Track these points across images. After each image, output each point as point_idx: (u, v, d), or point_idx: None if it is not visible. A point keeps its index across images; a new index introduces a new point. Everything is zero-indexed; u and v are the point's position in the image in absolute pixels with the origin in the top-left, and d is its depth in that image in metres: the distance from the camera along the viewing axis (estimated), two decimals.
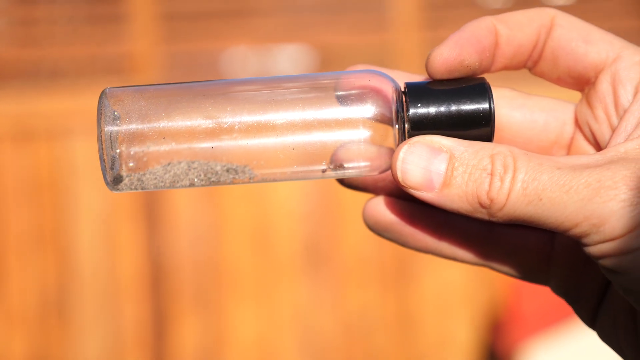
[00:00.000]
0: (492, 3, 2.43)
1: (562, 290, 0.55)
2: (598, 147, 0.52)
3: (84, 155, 2.35)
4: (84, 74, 2.50)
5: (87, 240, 2.37)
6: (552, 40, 0.51)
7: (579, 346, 1.95)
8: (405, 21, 2.47)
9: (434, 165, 0.47)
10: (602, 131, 0.51)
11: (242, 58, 2.51)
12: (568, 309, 1.87)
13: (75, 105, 2.36)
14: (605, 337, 0.53)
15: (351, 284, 2.37)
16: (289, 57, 2.53)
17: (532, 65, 0.52)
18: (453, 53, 0.49)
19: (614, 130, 0.50)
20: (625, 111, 0.49)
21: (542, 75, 0.53)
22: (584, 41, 0.50)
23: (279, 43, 2.53)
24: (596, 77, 0.50)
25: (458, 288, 2.37)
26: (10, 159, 2.36)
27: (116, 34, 2.50)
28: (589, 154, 0.47)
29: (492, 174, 0.46)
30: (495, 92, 0.54)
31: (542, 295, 2.10)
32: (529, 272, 0.55)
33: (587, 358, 1.92)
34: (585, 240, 0.45)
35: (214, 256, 2.38)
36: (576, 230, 0.45)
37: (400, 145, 0.48)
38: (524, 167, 0.45)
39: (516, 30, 0.50)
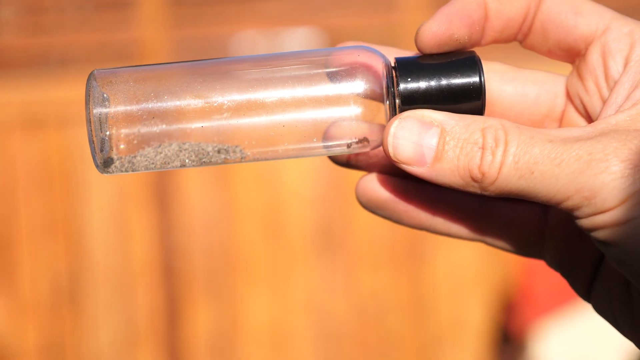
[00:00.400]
0: None
1: (557, 264, 0.56)
2: (589, 119, 0.52)
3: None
4: (94, 61, 2.50)
5: (99, 228, 2.37)
6: (542, 13, 0.50)
7: (591, 325, 1.94)
8: (413, 2, 2.45)
9: (425, 140, 0.47)
10: (593, 103, 0.51)
11: (251, 42, 2.51)
12: None
13: (84, 92, 2.36)
14: (600, 310, 0.54)
15: (364, 267, 2.37)
16: (297, 40, 2.52)
17: (522, 38, 0.52)
18: (442, 27, 0.49)
19: (604, 101, 0.49)
20: (615, 82, 0.48)
21: (532, 48, 0.52)
22: (573, 13, 0.50)
23: (287, 26, 2.52)
24: (586, 49, 0.50)
25: (470, 269, 2.37)
26: (21, 147, 2.37)
27: (125, 20, 2.50)
28: (580, 127, 0.46)
29: (483, 148, 0.46)
30: (486, 65, 0.53)
31: (554, 275, 2.09)
32: (524, 246, 0.56)
33: (599, 336, 1.91)
34: (578, 213, 0.45)
35: (226, 241, 2.38)
36: (568, 203, 0.45)
37: (391, 120, 0.48)
38: (515, 141, 0.45)
39: (505, 3, 0.50)
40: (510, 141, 0.45)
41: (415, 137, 0.47)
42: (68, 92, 2.38)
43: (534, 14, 0.50)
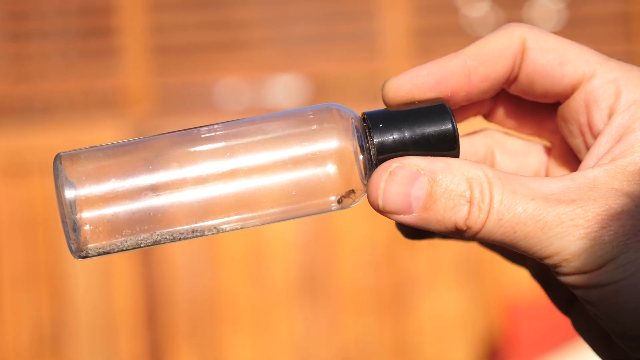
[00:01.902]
0: (480, 31, 2.44)
1: (538, 276, 0.57)
2: (573, 156, 0.53)
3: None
4: (78, 108, 2.50)
5: (82, 275, 2.36)
6: (527, 65, 0.50)
7: None
8: (395, 49, 2.48)
9: (414, 191, 0.47)
10: (577, 144, 0.51)
11: (235, 89, 2.52)
12: (564, 334, 1.86)
13: (68, 140, 2.36)
14: (578, 326, 0.54)
15: (347, 313, 2.37)
16: (282, 87, 2.54)
17: (507, 87, 0.52)
18: (409, 92, 0.49)
19: (587, 147, 0.50)
20: (599, 133, 0.49)
21: (517, 94, 0.53)
22: (559, 63, 0.50)
23: (272, 73, 2.54)
24: (572, 93, 0.50)
25: (454, 314, 2.37)
26: (4, 194, 2.36)
27: (109, 68, 2.51)
28: (560, 178, 0.47)
29: (470, 202, 0.46)
30: (487, 134, 0.55)
31: (538, 321, 2.10)
32: (509, 253, 0.57)
33: None
34: (557, 270, 0.46)
35: (209, 287, 2.37)
36: (548, 261, 0.46)
37: (377, 171, 0.48)
38: (499, 196, 0.46)
39: (491, 65, 0.50)
40: (495, 196, 0.46)
41: (403, 189, 0.47)
42: (51, 139, 2.39)
43: (519, 66, 0.51)
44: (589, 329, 0.53)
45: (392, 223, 0.53)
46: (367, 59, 2.50)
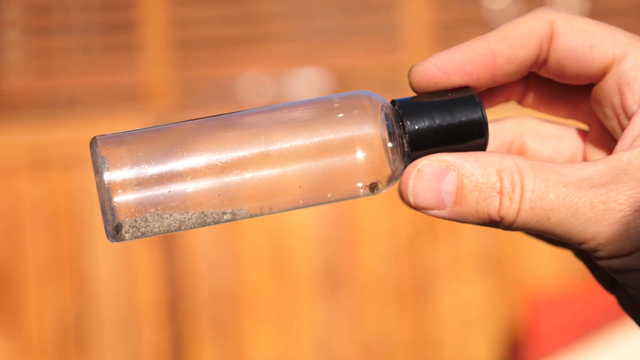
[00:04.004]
0: (502, 23, 2.43)
1: (581, 256, 0.56)
2: (611, 137, 0.53)
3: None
4: (100, 102, 2.52)
5: (105, 268, 2.37)
6: (556, 51, 0.50)
7: None
8: (417, 41, 2.48)
9: (444, 186, 0.47)
10: (613, 126, 0.51)
11: (257, 83, 2.53)
12: (586, 327, 1.85)
13: (91, 134, 2.37)
14: (622, 304, 0.54)
15: (369, 306, 2.37)
16: (304, 81, 2.54)
17: (537, 71, 0.52)
18: (435, 76, 0.50)
19: (622, 128, 0.50)
20: (633, 114, 0.48)
21: (548, 77, 0.52)
22: (588, 47, 0.49)
23: (294, 67, 2.54)
24: (604, 76, 0.50)
25: (476, 307, 2.36)
26: (27, 188, 2.38)
27: (131, 62, 2.52)
28: (594, 162, 0.47)
29: (501, 193, 0.46)
30: (518, 121, 0.55)
31: (560, 314, 2.09)
32: (550, 238, 0.56)
33: None
34: (594, 255, 0.46)
35: (232, 280, 2.38)
36: (584, 246, 0.46)
37: (407, 170, 0.49)
38: (530, 184, 0.46)
39: (517, 48, 0.50)
40: (526, 185, 0.46)
41: (434, 185, 0.48)
42: (74, 133, 2.40)
43: (547, 50, 0.50)
44: (634, 308, 0.53)
45: (414, 215, 0.53)
46: (389, 51, 2.50)
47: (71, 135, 2.40)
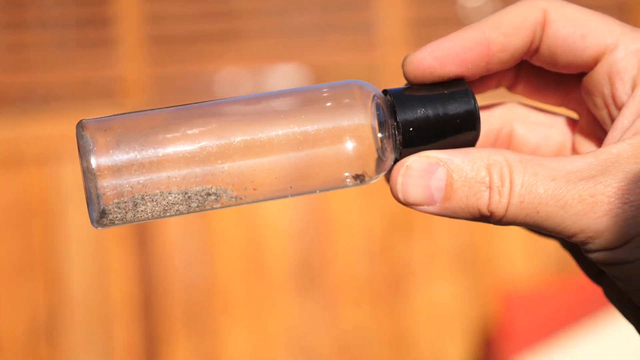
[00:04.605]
0: (477, 19, 2.44)
1: (568, 247, 0.56)
2: (599, 125, 0.52)
3: (74, 180, 2.35)
4: (75, 98, 2.50)
5: (77, 265, 2.36)
6: (548, 38, 0.50)
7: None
8: (393, 39, 2.48)
9: (434, 182, 0.47)
10: (603, 116, 0.51)
11: (234, 79, 2.52)
12: (559, 323, 1.86)
13: (66, 130, 2.36)
14: (609, 296, 0.54)
15: (344, 303, 2.37)
16: (281, 77, 2.54)
17: (529, 58, 0.52)
18: (430, 66, 0.49)
19: (612, 120, 0.49)
20: (622, 105, 0.48)
21: (540, 65, 0.52)
22: (580, 36, 0.49)
23: (271, 63, 2.53)
24: (595, 65, 0.50)
25: (450, 304, 2.37)
26: (1, 184, 2.36)
27: (106, 58, 2.51)
28: (583, 155, 0.47)
29: (490, 188, 0.46)
30: (507, 107, 0.54)
31: (533, 310, 2.10)
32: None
33: None
34: (583, 248, 0.46)
35: (206, 277, 2.37)
36: (573, 239, 0.46)
37: (396, 166, 0.48)
38: (519, 179, 0.46)
39: (511, 35, 0.49)
40: (515, 179, 0.46)
41: (423, 181, 0.47)
42: (49, 129, 2.38)
43: (540, 38, 0.50)
44: (620, 300, 0.52)
45: (389, 213, 0.53)
46: (366, 48, 2.50)
47: (46, 131, 2.38)
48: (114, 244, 2.37)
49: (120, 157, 0.47)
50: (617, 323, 1.88)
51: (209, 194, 0.48)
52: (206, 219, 2.36)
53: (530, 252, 2.32)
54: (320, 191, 0.50)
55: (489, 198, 0.46)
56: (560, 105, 0.56)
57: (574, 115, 0.56)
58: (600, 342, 1.92)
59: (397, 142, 0.49)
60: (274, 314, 2.37)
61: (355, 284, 2.36)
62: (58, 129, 2.36)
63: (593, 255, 0.46)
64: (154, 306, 2.37)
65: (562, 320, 2.00)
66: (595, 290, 0.58)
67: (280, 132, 0.49)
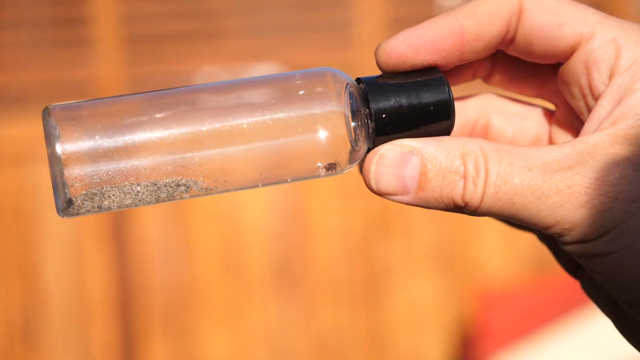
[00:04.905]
0: None
1: (545, 240, 0.56)
2: (577, 118, 0.52)
3: (50, 180, 2.33)
4: (51, 98, 2.48)
5: (54, 265, 2.34)
6: (524, 27, 0.49)
7: (547, 358, 1.95)
8: (370, 38, 2.48)
9: (407, 171, 0.46)
10: (579, 106, 0.50)
11: (211, 79, 2.51)
12: (536, 321, 1.87)
13: (41, 130, 2.33)
14: (586, 290, 0.53)
15: (322, 302, 2.37)
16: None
17: (505, 48, 0.51)
18: (403, 54, 0.48)
19: (589, 110, 0.49)
20: (600, 95, 0.47)
21: (515, 55, 0.51)
22: (557, 24, 0.48)
23: (248, 63, 2.53)
24: (571, 55, 0.49)
25: (428, 303, 2.37)
26: None
27: (82, 58, 2.49)
28: (560, 145, 0.46)
29: (465, 178, 0.45)
30: (483, 98, 0.54)
31: (511, 309, 2.10)
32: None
33: None
34: (559, 240, 0.45)
35: (184, 277, 2.36)
36: (549, 231, 0.45)
37: (369, 155, 0.47)
38: (495, 168, 0.45)
39: (485, 24, 0.48)
40: (491, 169, 0.45)
41: (396, 170, 0.46)
42: (24, 129, 2.36)
43: (515, 27, 0.49)
44: (598, 293, 0.52)
45: (367, 212, 0.52)
46: (343, 47, 2.50)
47: (20, 131, 2.36)
48: (91, 244, 2.35)
49: (87, 144, 0.46)
50: (594, 321, 1.89)
51: (178, 185, 0.47)
52: (185, 218, 2.35)
53: (508, 252, 2.33)
54: (292, 180, 0.49)
55: (464, 188, 0.46)
56: (536, 96, 0.55)
57: (550, 106, 0.55)
58: (578, 340, 1.93)
59: (370, 130, 0.48)
60: (253, 314, 2.36)
61: (333, 284, 2.36)
62: (33, 130, 2.34)
63: (569, 248, 0.45)
64: (131, 306, 2.36)
65: (539, 318, 2.01)
66: (573, 289, 0.57)
67: (251, 120, 0.48)
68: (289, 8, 2.53)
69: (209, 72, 2.52)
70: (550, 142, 0.54)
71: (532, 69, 0.54)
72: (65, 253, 2.34)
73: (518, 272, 2.33)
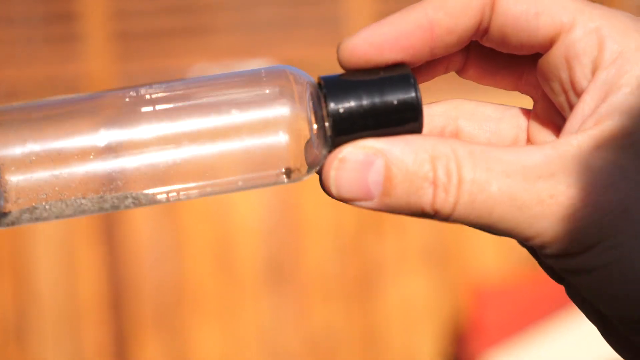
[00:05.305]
0: None
1: (527, 245, 0.52)
2: (558, 113, 0.48)
3: None
4: (41, 94, 2.47)
5: (45, 264, 2.33)
6: (498, 17, 0.44)
7: (540, 355, 1.95)
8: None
9: (371, 175, 0.42)
10: (561, 102, 0.45)
11: (203, 74, 2.50)
12: (530, 317, 1.86)
13: None
14: (572, 297, 0.50)
15: (315, 301, 2.36)
16: None
17: (478, 39, 0.46)
18: (366, 53, 0.44)
19: (571, 106, 0.44)
20: (582, 91, 0.43)
21: (490, 46, 0.47)
22: (534, 14, 0.43)
23: (239, 58, 2.52)
24: (551, 46, 0.44)
25: (421, 300, 2.36)
26: None
27: (72, 54, 2.48)
28: (541, 147, 0.42)
29: (434, 184, 0.41)
30: (451, 104, 0.49)
31: (504, 305, 2.10)
32: None
33: None
34: (541, 252, 0.42)
35: (175, 276, 2.35)
36: (530, 243, 0.42)
37: (329, 159, 0.43)
38: (469, 174, 0.41)
39: (456, 16, 0.44)
40: (465, 175, 0.41)
41: (358, 174, 0.42)
42: None
43: (489, 17, 0.45)
44: (584, 302, 0.48)
45: (360, 209, 0.48)
46: (335, 43, 2.48)
47: None
48: (82, 243, 2.34)
49: (21, 151, 0.42)
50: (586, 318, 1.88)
51: (125, 197, 0.44)
52: (176, 217, 2.34)
53: (501, 248, 2.32)
54: (248, 188, 0.45)
55: (434, 196, 0.41)
56: (514, 89, 0.50)
57: (528, 102, 0.50)
58: (571, 336, 1.92)
59: (329, 133, 0.44)
60: (245, 312, 2.35)
61: (326, 282, 2.35)
62: None
63: (551, 262, 0.42)
64: (123, 305, 2.35)
65: (533, 315, 2.00)
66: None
67: (204, 125, 0.44)
68: (280, 3, 2.52)
69: (201, 69, 2.50)
70: (529, 141, 0.49)
71: (508, 60, 0.49)
72: (56, 252, 2.33)
73: (511, 269, 2.32)
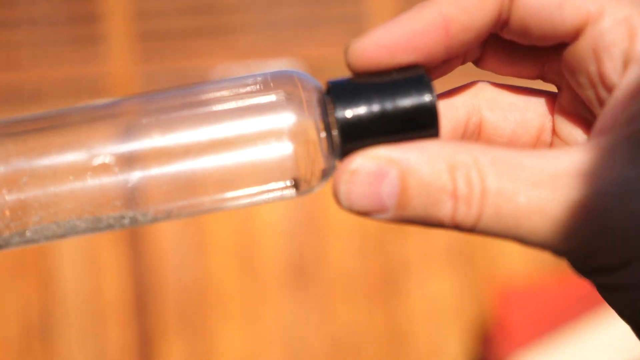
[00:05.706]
0: None
1: None
2: (584, 104, 0.45)
3: None
4: (65, 95, 2.48)
5: (70, 266, 2.34)
6: (518, 9, 0.41)
7: (568, 357, 1.93)
8: None
9: (384, 188, 0.39)
10: (588, 96, 0.42)
11: (224, 75, 2.50)
12: (556, 319, 1.84)
13: None
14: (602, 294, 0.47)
15: (338, 300, 2.35)
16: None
17: (497, 32, 0.43)
18: (377, 56, 0.41)
19: (601, 102, 0.41)
20: (612, 86, 0.40)
21: (509, 38, 0.43)
22: (558, 5, 0.40)
23: (262, 58, 2.51)
24: (577, 38, 0.41)
25: (447, 301, 2.35)
26: None
27: (95, 55, 2.48)
28: (569, 150, 0.38)
29: (455, 197, 0.38)
30: (474, 91, 0.46)
31: (531, 306, 2.08)
32: None
33: None
34: (572, 265, 0.39)
35: (199, 276, 2.35)
36: (563, 257, 0.39)
37: (339, 171, 0.40)
38: (494, 185, 0.37)
39: (473, 11, 0.41)
40: (489, 186, 0.38)
41: (371, 187, 0.39)
42: None
43: (509, 9, 0.41)
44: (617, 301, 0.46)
45: None
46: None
47: None
48: (106, 244, 2.34)
49: (11, 169, 0.40)
50: (615, 319, 1.86)
51: (122, 217, 0.41)
52: (199, 218, 2.34)
53: (528, 248, 2.30)
54: (254, 204, 0.42)
55: (454, 209, 0.38)
56: (536, 78, 0.46)
57: (552, 88, 0.46)
58: (599, 338, 1.90)
59: (338, 140, 0.41)
60: (268, 312, 2.35)
61: (349, 281, 2.34)
62: None
63: (585, 277, 0.39)
64: (147, 305, 2.35)
65: (560, 316, 1.98)
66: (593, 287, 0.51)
67: (206, 135, 0.41)
68: (302, 2, 2.51)
69: (224, 69, 2.50)
70: (555, 133, 0.46)
71: (530, 49, 0.45)
72: (81, 253, 2.34)
73: (538, 269, 2.30)
